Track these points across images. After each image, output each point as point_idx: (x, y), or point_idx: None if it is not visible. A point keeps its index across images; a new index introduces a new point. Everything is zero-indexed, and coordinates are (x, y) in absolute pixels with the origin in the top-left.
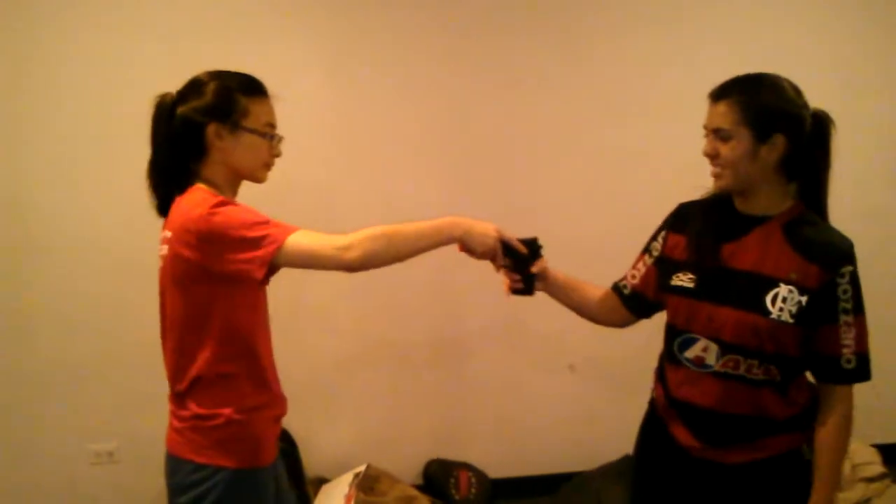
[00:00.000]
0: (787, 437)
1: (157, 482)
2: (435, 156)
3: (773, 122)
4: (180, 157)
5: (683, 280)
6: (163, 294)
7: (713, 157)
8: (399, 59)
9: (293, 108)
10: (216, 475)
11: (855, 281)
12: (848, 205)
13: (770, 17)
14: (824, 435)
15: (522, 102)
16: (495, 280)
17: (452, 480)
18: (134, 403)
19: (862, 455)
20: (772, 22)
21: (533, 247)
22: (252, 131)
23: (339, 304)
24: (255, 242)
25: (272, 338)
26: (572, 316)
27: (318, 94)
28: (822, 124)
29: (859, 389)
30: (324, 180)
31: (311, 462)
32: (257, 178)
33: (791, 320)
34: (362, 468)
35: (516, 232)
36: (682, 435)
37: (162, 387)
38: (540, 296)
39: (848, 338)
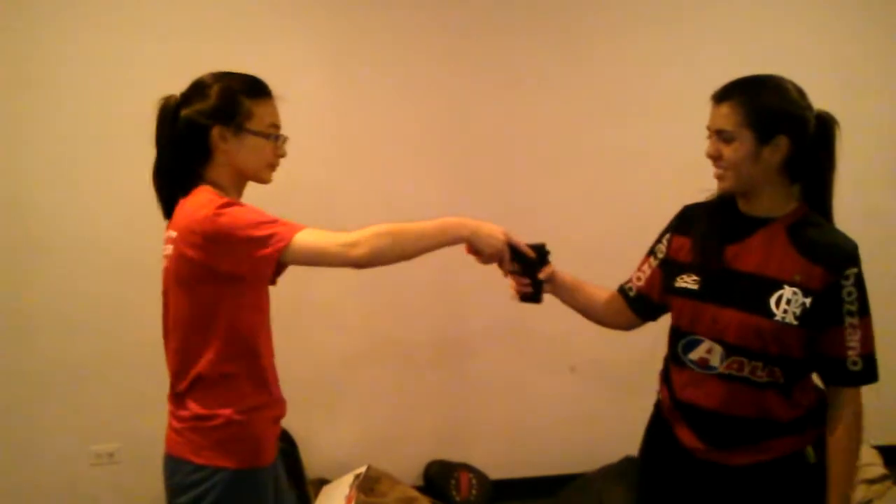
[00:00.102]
0: (791, 440)
1: (157, 483)
2: (435, 156)
3: (776, 124)
4: (185, 160)
5: (687, 282)
6: (166, 294)
7: (716, 158)
8: (399, 59)
9: (293, 108)
10: (215, 475)
11: (860, 283)
12: (848, 205)
13: (770, 17)
14: (835, 440)
15: (522, 102)
16: (498, 281)
17: (453, 482)
18: (134, 404)
19: (863, 456)
20: (772, 22)
21: (541, 252)
22: (256, 133)
23: (342, 303)
24: (263, 241)
25: (275, 337)
26: (574, 317)
27: (318, 94)
28: (826, 126)
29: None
30: (324, 180)
31: (312, 463)
32: (262, 179)
33: (795, 322)
34: (363, 469)
35: (521, 235)
36: (686, 437)
37: (162, 387)
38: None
39: (853, 340)
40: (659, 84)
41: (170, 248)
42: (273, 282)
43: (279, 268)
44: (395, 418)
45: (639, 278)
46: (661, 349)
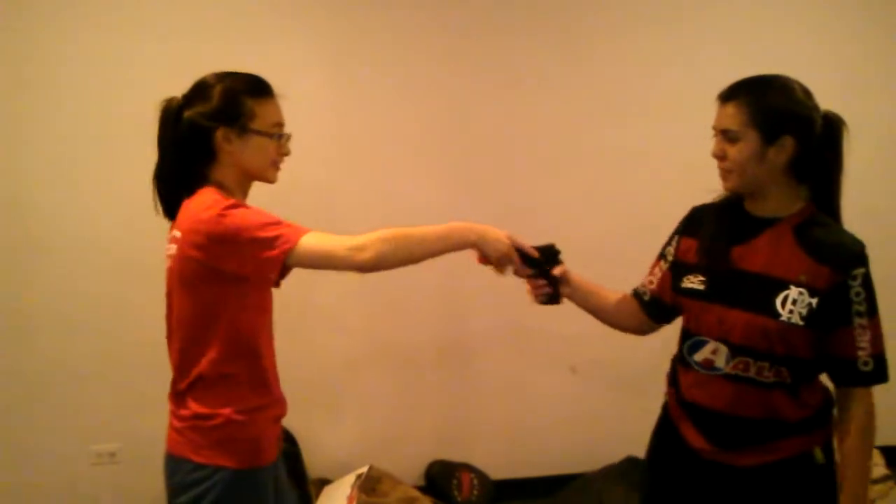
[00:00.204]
0: (799, 440)
1: (158, 483)
2: (435, 156)
3: (782, 124)
4: (189, 162)
5: (694, 282)
6: (170, 294)
7: (721, 158)
8: (399, 59)
9: (293, 108)
10: (215, 475)
11: (867, 283)
12: (848, 205)
13: (770, 17)
14: (847, 443)
15: (522, 102)
16: (499, 282)
17: (454, 482)
18: (135, 404)
19: None
20: (772, 22)
21: (552, 252)
22: (260, 133)
23: (344, 305)
24: (269, 243)
25: (278, 338)
26: (574, 318)
27: (318, 94)
28: (833, 126)
29: None
30: (324, 180)
31: (314, 463)
32: (267, 179)
33: (801, 322)
34: (364, 469)
35: (522, 236)
36: (693, 437)
37: (163, 387)
38: None
39: (863, 340)
40: (659, 84)
41: (174, 249)
42: (277, 284)
43: (284, 270)
44: (397, 418)
45: (651, 282)
46: (662, 349)
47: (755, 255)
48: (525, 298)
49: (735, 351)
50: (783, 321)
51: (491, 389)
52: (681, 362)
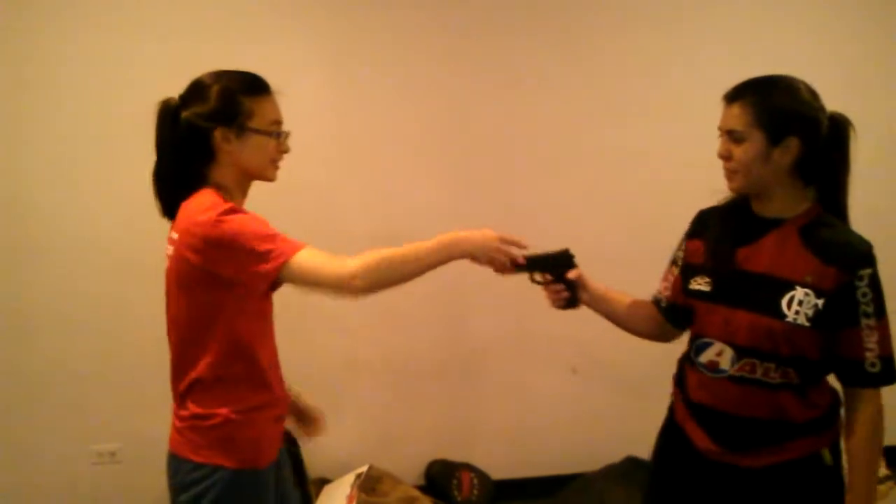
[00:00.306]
0: (806, 441)
1: (159, 482)
2: (435, 156)
3: (787, 125)
4: (188, 162)
5: (700, 284)
6: (169, 294)
7: (726, 158)
8: (399, 59)
9: (293, 108)
10: (214, 474)
11: (875, 283)
12: (850, 205)
13: (770, 17)
14: (855, 442)
15: (522, 102)
16: (500, 283)
17: (455, 481)
18: (135, 404)
19: None
20: (772, 22)
21: (566, 257)
22: (259, 132)
23: (345, 306)
24: (263, 256)
25: (279, 338)
26: (575, 319)
27: (318, 94)
28: (839, 127)
29: None
30: (324, 180)
31: (314, 462)
32: (267, 177)
33: (807, 323)
34: (364, 469)
35: (522, 236)
36: (699, 438)
37: (163, 387)
38: (542, 297)
39: (871, 341)
40: (659, 84)
41: (171, 249)
42: (268, 294)
43: (275, 283)
44: (397, 418)
45: (665, 288)
46: (662, 350)
47: (761, 256)
48: (526, 299)
49: (740, 353)
50: (789, 322)
51: (491, 389)
52: (688, 363)
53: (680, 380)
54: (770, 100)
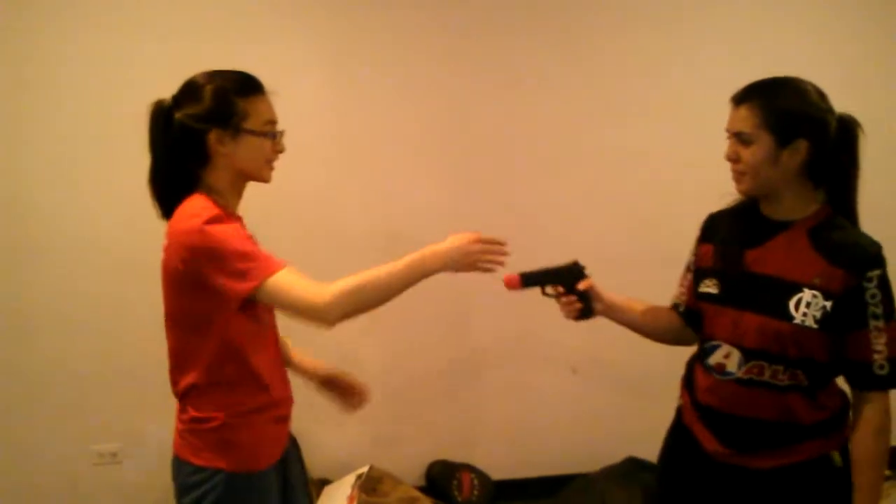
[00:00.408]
0: (815, 443)
1: (159, 482)
2: (435, 156)
3: (795, 127)
4: (182, 164)
5: (709, 286)
6: (163, 295)
7: (734, 160)
8: (399, 59)
9: (293, 108)
10: (214, 477)
11: (884, 285)
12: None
13: (770, 17)
14: (862, 444)
15: (522, 102)
16: (500, 283)
17: (455, 482)
18: (135, 404)
19: None
20: (772, 22)
21: (576, 268)
22: (253, 133)
23: None
24: (240, 274)
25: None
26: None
27: (318, 94)
28: (848, 129)
29: None
30: (324, 180)
31: (314, 463)
32: (262, 178)
33: (815, 326)
34: (365, 469)
35: (522, 236)
36: (707, 440)
37: (163, 387)
38: (542, 298)
39: (879, 343)
40: (659, 84)
41: (163, 253)
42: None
43: (249, 300)
44: (398, 419)
45: (682, 293)
46: (663, 350)
47: (769, 258)
48: (526, 299)
49: (748, 355)
50: (796, 324)
51: (492, 390)
52: (696, 365)
53: (688, 382)
54: (778, 102)
